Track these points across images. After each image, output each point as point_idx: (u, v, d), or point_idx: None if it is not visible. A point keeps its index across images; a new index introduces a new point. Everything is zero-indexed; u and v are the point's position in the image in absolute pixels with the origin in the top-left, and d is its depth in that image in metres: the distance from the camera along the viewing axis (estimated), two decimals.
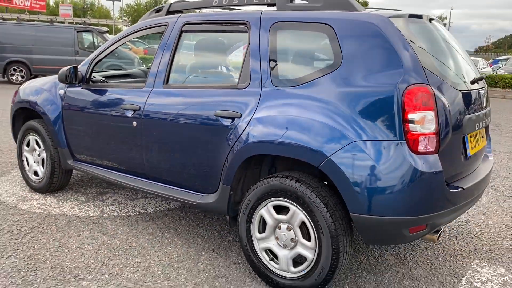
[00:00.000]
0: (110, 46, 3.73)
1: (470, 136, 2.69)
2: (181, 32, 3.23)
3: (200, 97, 3.00)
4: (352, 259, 3.17)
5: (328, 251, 2.45)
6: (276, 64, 2.72)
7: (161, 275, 2.88)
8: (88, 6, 66.09)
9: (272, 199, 2.62)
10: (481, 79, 2.92)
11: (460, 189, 2.48)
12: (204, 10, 3.47)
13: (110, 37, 16.79)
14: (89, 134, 3.78)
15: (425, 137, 2.29)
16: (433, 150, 2.32)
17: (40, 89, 4.14)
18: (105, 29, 16.07)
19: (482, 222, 3.96)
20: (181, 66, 3.32)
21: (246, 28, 2.89)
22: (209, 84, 3.16)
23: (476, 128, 2.70)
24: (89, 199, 4.22)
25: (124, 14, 69.02)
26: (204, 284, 2.78)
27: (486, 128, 3.11)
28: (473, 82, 2.77)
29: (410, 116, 2.27)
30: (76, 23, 18.82)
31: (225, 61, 3.32)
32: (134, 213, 3.91)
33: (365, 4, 22.21)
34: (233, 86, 2.88)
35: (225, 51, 3.33)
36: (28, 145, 4.33)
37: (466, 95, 2.60)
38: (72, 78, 3.73)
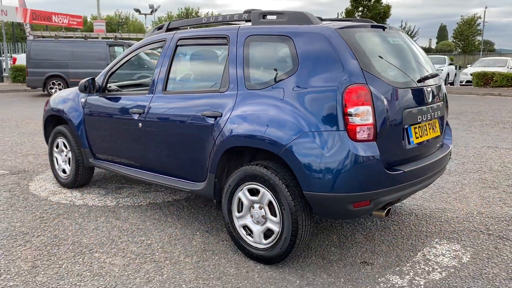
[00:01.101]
0: (121, 60, 4.38)
1: (414, 127, 3.13)
2: (176, 46, 3.83)
3: (191, 101, 3.58)
4: (315, 233, 3.64)
5: (289, 225, 2.95)
6: (249, 71, 3.27)
7: (160, 249, 3.45)
8: (123, 20, 68.67)
9: (247, 183, 3.15)
10: (431, 77, 3.36)
11: (400, 171, 2.93)
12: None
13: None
14: (105, 135, 4.43)
15: (362, 127, 2.77)
16: (371, 138, 2.80)
17: (66, 98, 4.84)
18: (135, 42, 17.04)
19: (456, 209, 4.34)
20: (176, 75, 3.91)
21: (227, 41, 3.45)
22: (199, 90, 3.73)
23: (419, 120, 3.14)
24: (108, 192, 4.87)
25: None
26: (194, 256, 3.33)
27: (441, 120, 3.53)
28: (420, 80, 3.21)
29: (350, 110, 2.76)
30: (109, 38, 20.00)
31: (212, 69, 3.87)
32: (145, 203, 4.52)
33: (387, 8, 22.41)
34: (217, 90, 3.44)
35: (212, 61, 3.90)
36: (57, 147, 5.04)
37: (408, 92, 3.06)
38: (90, 88, 4.40)
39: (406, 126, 3.05)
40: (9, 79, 21.31)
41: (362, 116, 2.78)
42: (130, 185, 5.12)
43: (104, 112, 4.38)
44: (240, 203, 3.25)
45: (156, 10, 43.85)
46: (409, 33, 49.09)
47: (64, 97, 4.89)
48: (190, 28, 4.06)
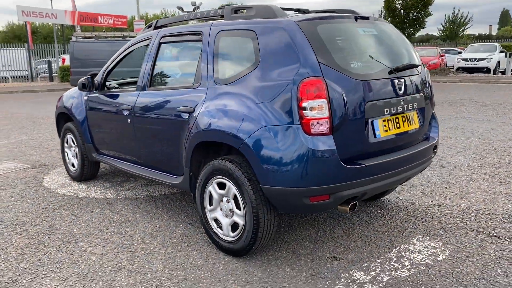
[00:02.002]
0: (116, 59, 4.55)
1: (383, 120, 3.05)
2: (160, 43, 3.94)
3: (170, 96, 3.67)
4: (295, 227, 3.62)
5: (250, 218, 2.98)
6: (218, 66, 3.31)
7: (140, 240, 3.58)
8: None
9: (215, 177, 3.21)
10: (407, 68, 3.25)
11: (362, 165, 2.87)
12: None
13: None
14: (103, 131, 4.63)
15: (317, 121, 2.74)
16: (327, 132, 2.76)
17: (72, 96, 5.09)
18: None
19: (454, 204, 4.16)
20: (159, 72, 4.02)
21: (201, 37, 3.50)
22: (178, 86, 3.81)
23: (386, 113, 3.05)
24: (112, 185, 5.09)
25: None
26: (169, 247, 3.43)
27: (422, 112, 3.40)
28: (392, 71, 3.11)
29: (304, 104, 2.74)
30: None
31: (189, 65, 3.93)
32: (142, 196, 4.69)
33: (427, 4, 21.51)
34: (191, 86, 3.51)
35: (190, 57, 3.95)
36: (67, 142, 5.32)
37: (373, 84, 2.98)
38: (89, 86, 4.61)
39: (371, 119, 2.97)
40: (58, 78, 22.52)
41: (317, 109, 2.74)
42: (134, 179, 5.31)
43: (102, 109, 4.58)
44: (211, 196, 3.30)
45: (198, 7, 44.30)
46: (462, 20, 46.89)
47: (71, 95, 5.15)
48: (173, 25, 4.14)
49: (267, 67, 2.95)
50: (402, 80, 3.15)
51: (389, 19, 25.25)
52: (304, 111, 2.74)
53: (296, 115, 2.76)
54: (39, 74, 26.59)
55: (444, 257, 3.15)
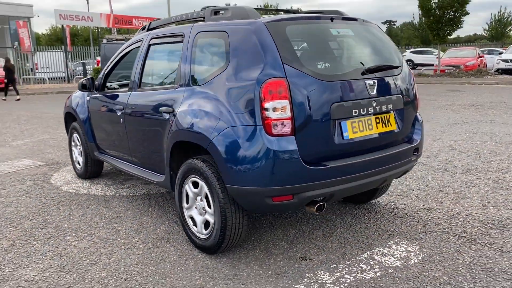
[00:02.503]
0: (114, 60, 4.72)
1: (352, 122, 3.03)
2: (149, 45, 4.06)
3: (155, 97, 3.79)
4: (275, 227, 3.64)
5: (219, 216, 3.04)
6: (194, 67, 3.39)
7: (124, 235, 3.71)
8: None
9: (190, 176, 3.29)
10: (383, 69, 3.22)
11: (326, 166, 2.87)
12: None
13: None
14: (102, 130, 4.81)
15: (279, 122, 2.77)
16: (289, 132, 2.78)
17: (77, 97, 5.31)
18: None
19: (445, 209, 4.07)
20: (148, 73, 4.14)
21: (183, 38, 3.60)
22: (162, 86, 3.92)
23: (355, 114, 3.03)
24: (114, 183, 5.27)
25: None
26: (149, 243, 3.54)
27: (400, 114, 3.36)
28: (364, 72, 3.10)
29: (266, 105, 2.77)
30: None
31: (173, 66, 4.03)
32: (139, 194, 4.83)
33: (464, 2, 20.77)
34: (173, 87, 3.60)
35: (174, 58, 4.04)
36: (73, 141, 5.54)
37: (341, 85, 2.97)
38: (90, 87, 4.80)
39: (338, 120, 2.97)
40: None
41: (279, 110, 2.77)
42: (136, 178, 5.46)
43: (100, 109, 4.76)
44: (187, 195, 3.38)
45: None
46: (508, 19, 45.05)
47: (76, 96, 5.37)
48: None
49: (235, 68, 3.01)
50: (374, 82, 3.12)
51: (424, 19, 24.64)
52: (266, 112, 2.78)
53: (259, 116, 2.80)
54: (75, 76, 27.63)
55: (416, 261, 3.10)
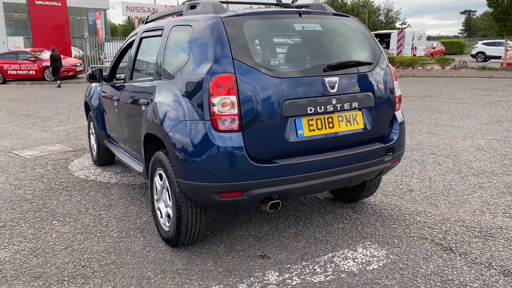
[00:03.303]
0: (119, 54, 4.86)
1: (309, 120, 2.92)
2: (141, 38, 4.15)
3: (138, 88, 3.88)
4: (250, 222, 3.61)
5: (175, 210, 3.07)
6: (166, 61, 3.42)
7: (105, 223, 3.86)
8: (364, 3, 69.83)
9: (157, 169, 3.34)
10: (345, 66, 3.07)
11: (275, 164, 2.80)
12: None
13: None
14: (107, 119, 5.01)
15: (226, 118, 2.73)
16: (235, 129, 2.74)
17: (92, 87, 5.56)
18: None
19: (437, 213, 3.83)
20: (137, 65, 4.23)
21: (162, 32, 3.64)
22: (145, 79, 3.98)
23: (311, 112, 2.90)
24: (123, 171, 5.47)
25: None
26: (124, 232, 3.65)
27: (369, 112, 3.18)
28: (326, 69, 2.96)
29: (214, 100, 2.74)
30: None
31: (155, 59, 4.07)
32: (140, 183, 4.99)
33: None
34: (150, 79, 3.66)
35: (155, 52, 4.08)
36: (91, 129, 5.82)
37: (296, 82, 2.86)
38: (99, 78, 4.99)
39: (292, 118, 2.87)
40: None
41: (226, 106, 2.73)
42: None
43: (104, 98, 4.95)
44: (156, 187, 3.45)
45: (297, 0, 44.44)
46: None
47: (91, 87, 5.62)
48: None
49: (193, 62, 3.00)
50: (335, 79, 2.98)
51: (490, 9, 22.91)
52: (213, 107, 2.75)
53: (207, 111, 2.78)
54: None
55: (375, 267, 2.95)
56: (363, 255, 3.12)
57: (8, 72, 21.40)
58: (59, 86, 18.50)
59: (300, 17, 3.13)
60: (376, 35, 31.31)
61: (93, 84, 5.69)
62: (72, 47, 30.25)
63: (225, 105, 2.73)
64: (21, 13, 31.90)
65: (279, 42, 3.06)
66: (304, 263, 3.03)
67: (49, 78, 19.30)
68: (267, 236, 3.49)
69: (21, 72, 21.32)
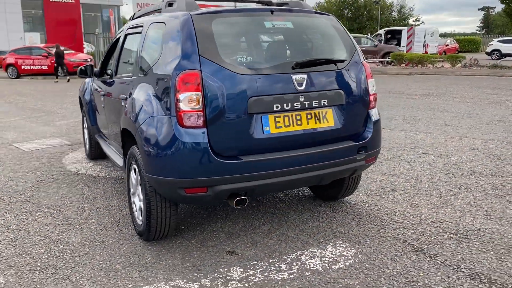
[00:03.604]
0: (108, 50, 4.92)
1: (275, 116, 2.93)
2: (125, 35, 4.20)
3: (119, 84, 3.93)
4: (226, 218, 3.63)
5: (145, 204, 3.12)
6: (143, 58, 3.46)
7: (86, 216, 3.93)
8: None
9: (132, 163, 3.39)
10: (314, 64, 3.07)
11: (240, 161, 2.82)
12: None
13: None
14: (97, 113, 5.08)
15: (191, 114, 2.76)
16: (201, 124, 2.77)
17: (85, 83, 5.64)
18: None
19: (417, 214, 3.81)
20: (121, 61, 4.27)
21: (142, 29, 3.68)
22: (126, 75, 4.03)
23: (277, 109, 2.91)
24: (112, 165, 5.55)
25: None
26: (102, 225, 3.71)
27: (340, 110, 3.17)
28: (294, 67, 2.97)
29: (180, 96, 2.78)
30: None
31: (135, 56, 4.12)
32: None
33: None
34: (130, 75, 3.71)
35: (135, 48, 4.12)
36: (84, 124, 5.91)
37: (263, 79, 2.88)
38: (90, 73, 5.06)
39: (258, 115, 2.88)
40: None
41: (191, 102, 2.76)
42: None
43: (95, 94, 5.02)
44: (132, 180, 3.50)
45: None
46: None
47: (85, 82, 5.70)
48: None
49: (164, 59, 3.04)
50: (303, 76, 2.98)
51: (506, 8, 22.48)
52: (179, 103, 2.78)
53: (173, 107, 2.82)
54: None
55: (341, 266, 2.96)
56: (332, 254, 3.13)
57: (22, 67, 21.82)
58: (68, 81, 18.83)
59: (272, 14, 3.14)
60: (388, 32, 31.03)
61: (87, 80, 5.78)
62: (85, 43, 30.63)
63: (190, 101, 2.76)
64: (38, 10, 32.43)
65: (249, 39, 3.07)
66: (270, 261, 3.05)
67: (60, 74, 19.69)
68: (239, 232, 3.51)
69: (34, 67, 21.71)
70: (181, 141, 2.77)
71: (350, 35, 3.46)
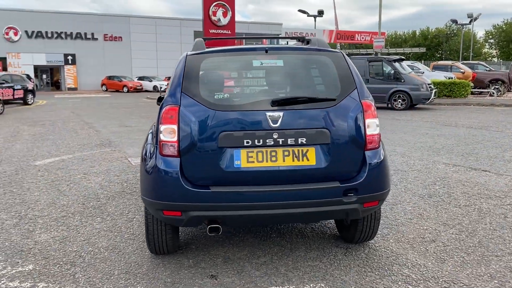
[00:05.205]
0: None
1: (249, 151, 3.04)
2: None
3: None
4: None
5: (143, 221, 3.52)
6: None
7: (130, 225, 4.51)
8: (453, 32, 65.86)
9: None
10: (292, 102, 3.12)
11: (207, 190, 3.02)
12: None
13: (404, 64, 17.76)
14: None
15: (168, 144, 3.09)
16: (175, 154, 3.07)
17: None
18: (396, 57, 17.20)
19: (422, 266, 3.43)
20: None
21: None
22: None
23: (247, 144, 3.02)
24: None
25: (490, 37, 64.93)
26: (135, 234, 4.24)
27: (325, 149, 3.11)
28: (272, 104, 3.07)
29: (161, 128, 3.14)
30: (389, 54, 20.59)
31: None
32: None
33: None
34: None
35: None
36: None
37: (234, 115, 3.07)
38: None
39: (230, 149, 3.05)
40: None
41: (169, 134, 3.09)
42: None
43: None
44: None
45: (476, 19, 41.32)
46: None
47: None
48: None
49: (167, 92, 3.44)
50: (278, 114, 3.05)
51: None
52: (160, 134, 3.14)
53: (157, 137, 3.18)
54: None
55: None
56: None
57: None
58: None
59: (266, 53, 3.29)
60: None
61: None
62: None
63: (167, 133, 3.10)
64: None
65: (233, 77, 3.27)
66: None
67: None
68: (237, 259, 3.64)
69: None
70: (159, 168, 3.12)
71: (356, 72, 3.37)
